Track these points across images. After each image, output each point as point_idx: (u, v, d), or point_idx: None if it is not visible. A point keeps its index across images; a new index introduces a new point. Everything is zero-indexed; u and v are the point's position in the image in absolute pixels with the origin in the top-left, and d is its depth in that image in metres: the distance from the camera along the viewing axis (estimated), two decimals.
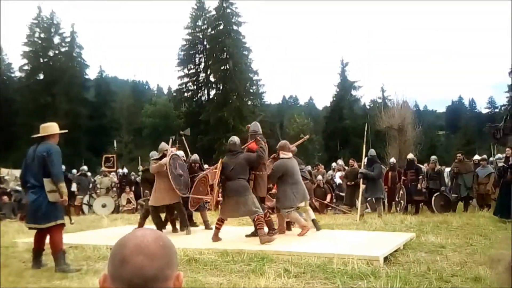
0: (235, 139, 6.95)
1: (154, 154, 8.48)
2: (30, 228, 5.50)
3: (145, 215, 8.43)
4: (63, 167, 14.91)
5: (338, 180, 13.68)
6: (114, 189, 14.76)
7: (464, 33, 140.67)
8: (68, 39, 43.79)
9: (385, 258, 5.31)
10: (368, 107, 46.77)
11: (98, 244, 6.41)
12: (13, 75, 45.34)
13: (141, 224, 8.21)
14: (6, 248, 6.76)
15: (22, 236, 7.74)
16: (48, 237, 5.42)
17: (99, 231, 8.75)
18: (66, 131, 6.20)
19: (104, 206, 13.94)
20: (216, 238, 6.71)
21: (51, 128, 5.50)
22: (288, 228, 7.72)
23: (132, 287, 0.87)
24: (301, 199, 7.20)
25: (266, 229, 6.73)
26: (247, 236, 7.12)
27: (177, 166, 7.76)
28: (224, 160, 6.83)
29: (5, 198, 13.30)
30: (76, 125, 41.00)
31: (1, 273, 4.90)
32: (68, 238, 7.42)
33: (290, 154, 7.35)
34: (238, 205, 6.50)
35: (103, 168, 15.45)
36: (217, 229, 6.76)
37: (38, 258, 5.37)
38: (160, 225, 7.93)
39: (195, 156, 9.07)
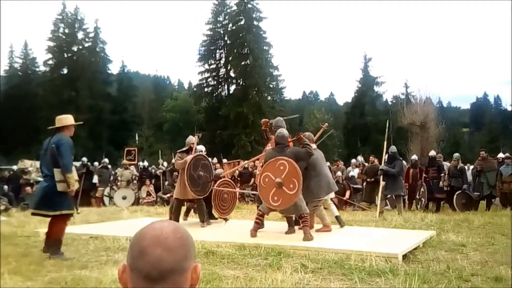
0: (284, 131, 6.68)
1: (191, 139, 8.45)
2: (33, 214, 5.66)
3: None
4: (85, 159, 15.29)
5: (352, 173, 13.56)
6: (135, 181, 14.96)
7: (491, 29, 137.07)
8: (91, 35, 44.47)
9: (404, 256, 5.25)
10: (390, 103, 46.19)
11: (117, 235, 6.50)
12: (37, 69, 46.27)
13: (171, 218, 8.31)
14: (28, 237, 6.92)
15: (43, 226, 7.91)
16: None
17: (119, 223, 8.89)
18: (81, 122, 6.36)
19: (124, 198, 14.15)
20: (254, 233, 6.45)
21: (66, 120, 5.62)
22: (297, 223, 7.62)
23: (150, 279, 0.88)
24: (326, 192, 7.09)
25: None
26: (286, 233, 6.91)
27: (199, 166, 7.82)
28: (269, 154, 6.63)
29: (28, 189, 13.60)
30: (99, 119, 41.79)
31: (22, 262, 5.04)
32: (89, 229, 7.63)
33: (314, 145, 7.28)
34: (295, 202, 6.23)
35: (124, 161, 15.66)
36: (257, 223, 6.54)
37: (50, 247, 5.46)
38: (177, 218, 8.09)
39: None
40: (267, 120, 7.48)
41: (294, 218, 7.05)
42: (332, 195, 7.47)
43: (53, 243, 5.42)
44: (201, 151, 8.44)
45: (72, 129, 5.65)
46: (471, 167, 13.51)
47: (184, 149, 8.26)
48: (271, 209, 6.51)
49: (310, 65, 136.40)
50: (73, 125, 5.70)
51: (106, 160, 15.46)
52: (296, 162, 6.22)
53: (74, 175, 5.48)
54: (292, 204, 6.17)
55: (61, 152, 5.31)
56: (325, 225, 7.10)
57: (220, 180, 8.62)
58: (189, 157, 7.74)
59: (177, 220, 8.02)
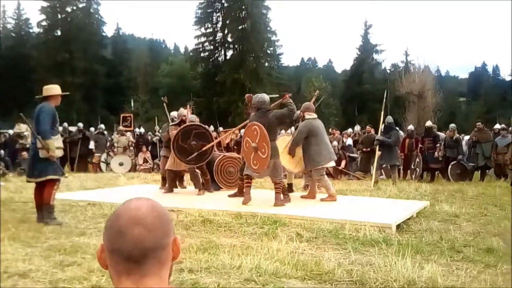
0: (266, 96, 6.82)
1: (173, 116, 8.77)
2: (27, 181, 5.88)
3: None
4: (80, 124, 15.22)
5: (348, 142, 13.61)
6: (131, 148, 14.96)
7: None
8: None
9: (398, 226, 5.34)
10: (388, 71, 45.85)
11: (115, 202, 6.54)
12: (31, 30, 45.35)
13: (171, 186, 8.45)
14: (25, 203, 6.96)
15: None
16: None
17: (117, 189, 8.94)
18: (68, 93, 6.56)
19: (121, 164, 14.19)
20: (248, 199, 6.65)
21: (52, 89, 5.76)
22: (290, 190, 7.80)
23: (132, 259, 0.88)
24: (327, 160, 7.20)
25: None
26: (229, 196, 7.46)
27: (191, 136, 7.82)
28: (251, 119, 6.76)
29: (25, 153, 13.55)
30: (93, 83, 41.32)
31: (21, 228, 5.09)
32: (86, 195, 7.67)
33: (315, 115, 7.39)
34: (271, 166, 6.50)
35: (121, 127, 15.62)
36: (248, 187, 6.73)
37: (41, 213, 5.59)
38: (172, 187, 8.28)
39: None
40: (251, 95, 7.49)
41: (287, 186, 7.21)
42: (333, 163, 7.58)
43: (45, 208, 5.54)
44: (193, 121, 8.36)
45: (58, 99, 5.78)
46: (467, 137, 13.58)
47: (176, 122, 8.35)
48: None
49: (309, 30, 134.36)
50: (60, 95, 5.82)
51: (102, 126, 15.40)
52: (280, 124, 6.59)
53: (54, 142, 5.55)
54: (267, 167, 6.41)
55: (39, 119, 5.46)
56: (330, 195, 7.21)
57: (220, 156, 8.64)
58: (174, 132, 7.89)
59: (172, 191, 8.25)
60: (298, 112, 7.53)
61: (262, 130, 6.39)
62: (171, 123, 8.59)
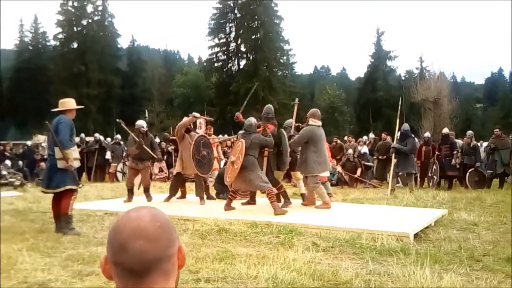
0: (252, 120, 7.28)
1: (140, 125, 8.84)
2: (43, 192, 6.00)
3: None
4: (97, 135, 15.41)
5: (363, 150, 13.50)
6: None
7: (507, 3, 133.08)
8: (100, 8, 44.08)
9: (416, 235, 5.27)
10: (403, 78, 45.52)
11: None
12: (48, 43, 46.25)
13: (183, 192, 8.68)
14: (44, 213, 7.05)
15: None
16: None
17: (133, 199, 8.99)
18: (82, 107, 6.76)
19: None
20: (228, 207, 6.95)
21: (67, 103, 5.94)
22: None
23: (135, 272, 0.87)
24: (321, 169, 7.34)
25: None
26: (242, 204, 7.58)
27: (201, 147, 7.98)
28: (239, 137, 7.20)
29: (43, 164, 13.77)
30: (109, 94, 41.88)
31: (39, 238, 5.17)
32: (103, 205, 7.75)
33: (319, 122, 7.50)
34: (247, 178, 6.80)
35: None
36: (230, 199, 7.07)
37: (59, 223, 5.68)
38: (175, 192, 8.37)
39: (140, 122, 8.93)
40: (239, 114, 8.08)
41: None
42: (327, 173, 7.77)
43: (63, 219, 5.62)
44: (142, 126, 8.50)
45: (74, 112, 5.96)
46: (484, 144, 13.37)
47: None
48: (241, 186, 7.11)
49: (322, 39, 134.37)
50: (75, 109, 6.00)
51: (119, 136, 15.56)
52: (260, 147, 6.98)
53: (72, 152, 5.68)
54: (247, 180, 6.76)
55: (59, 130, 5.61)
56: (325, 202, 7.27)
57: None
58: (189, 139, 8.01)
59: (174, 194, 8.34)
60: (291, 120, 7.92)
61: (243, 146, 6.83)
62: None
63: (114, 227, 0.91)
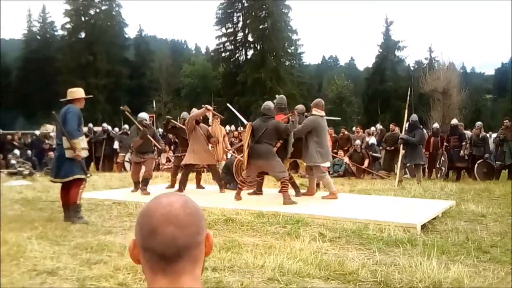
0: (271, 104, 7.20)
1: (185, 116, 9.22)
2: (52, 181, 6.03)
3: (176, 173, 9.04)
4: (105, 125, 15.48)
5: (371, 141, 13.41)
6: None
7: None
8: None
9: (423, 226, 5.25)
10: (412, 68, 45.10)
11: (140, 201, 6.66)
12: (56, 33, 46.34)
13: (173, 182, 8.76)
14: (53, 202, 7.12)
15: None
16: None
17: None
18: (91, 96, 6.70)
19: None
20: (238, 197, 7.01)
21: (77, 93, 5.94)
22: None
23: (165, 257, 0.87)
24: (325, 159, 7.34)
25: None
26: (249, 194, 7.58)
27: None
28: (255, 123, 7.01)
29: (51, 153, 13.88)
30: (117, 84, 42.00)
31: (48, 227, 5.22)
32: (111, 194, 7.81)
33: (323, 113, 7.51)
34: (263, 168, 6.80)
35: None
36: (240, 189, 7.10)
37: (68, 212, 5.73)
38: (185, 184, 8.30)
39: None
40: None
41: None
42: (328, 164, 7.76)
43: (72, 208, 5.66)
44: (145, 119, 8.42)
45: (82, 102, 5.95)
46: (494, 135, 13.25)
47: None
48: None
49: (330, 28, 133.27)
50: (84, 98, 5.99)
51: (126, 126, 15.59)
52: (276, 134, 6.82)
53: (80, 142, 5.70)
54: (269, 165, 6.70)
55: (66, 120, 5.62)
56: (332, 193, 7.29)
57: (239, 157, 8.76)
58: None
59: (185, 186, 8.29)
60: (302, 106, 7.84)
61: (249, 128, 6.86)
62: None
63: (144, 211, 0.90)
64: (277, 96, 8.31)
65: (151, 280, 0.89)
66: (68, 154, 5.60)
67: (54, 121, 6.08)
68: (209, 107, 8.34)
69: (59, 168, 5.73)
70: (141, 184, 8.06)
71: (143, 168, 8.25)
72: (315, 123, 7.29)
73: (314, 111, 7.43)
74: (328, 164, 7.72)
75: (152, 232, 0.86)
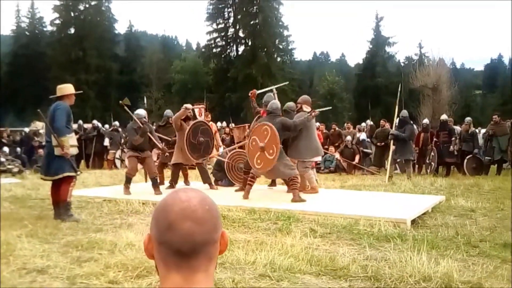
0: (278, 103, 7.12)
1: (168, 113, 9.22)
2: (42, 179, 5.96)
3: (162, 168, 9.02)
4: (96, 122, 15.37)
5: (362, 137, 13.46)
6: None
7: None
8: None
9: (413, 221, 5.30)
10: (402, 64, 45.30)
11: (130, 199, 6.64)
12: (45, 29, 45.83)
13: (160, 178, 8.48)
14: (43, 200, 7.07)
15: None
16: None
17: (131, 186, 8.97)
18: (81, 92, 6.58)
19: None
20: (247, 195, 6.83)
21: (66, 89, 5.86)
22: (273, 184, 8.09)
23: (182, 253, 0.87)
24: (312, 155, 7.41)
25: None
26: (236, 191, 7.63)
27: (199, 132, 8.00)
28: (262, 120, 6.89)
29: (41, 151, 13.74)
30: (107, 80, 41.66)
31: (38, 225, 5.18)
32: (102, 192, 7.76)
33: (309, 109, 7.57)
34: (276, 167, 6.57)
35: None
36: (250, 185, 6.87)
37: (58, 210, 5.67)
38: (176, 181, 8.25)
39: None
40: (255, 90, 7.84)
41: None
42: (319, 158, 7.85)
43: (62, 206, 5.62)
44: (144, 116, 8.04)
45: (72, 98, 5.87)
46: (483, 130, 13.38)
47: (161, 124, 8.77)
48: (266, 174, 6.97)
49: (321, 24, 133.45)
50: (73, 94, 5.91)
51: (117, 123, 15.52)
52: (283, 131, 6.62)
53: (69, 139, 5.63)
54: (273, 168, 6.52)
55: (55, 117, 5.55)
56: (312, 188, 7.40)
57: (232, 152, 8.73)
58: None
59: (176, 182, 8.24)
60: (292, 104, 7.76)
61: (273, 131, 6.48)
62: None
63: (161, 206, 0.90)
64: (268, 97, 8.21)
65: (165, 276, 0.88)
66: (57, 151, 5.55)
67: (42, 118, 5.96)
68: (188, 106, 8.25)
69: (48, 165, 5.68)
70: (152, 185, 7.75)
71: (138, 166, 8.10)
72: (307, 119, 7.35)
73: (304, 107, 7.50)
74: (319, 158, 7.81)
75: (170, 227, 0.86)
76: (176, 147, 8.15)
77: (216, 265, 0.95)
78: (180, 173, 8.53)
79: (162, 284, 0.89)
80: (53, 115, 5.58)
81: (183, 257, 0.86)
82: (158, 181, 7.91)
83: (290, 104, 7.77)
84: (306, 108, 7.49)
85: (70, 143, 5.67)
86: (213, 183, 8.35)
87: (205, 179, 8.38)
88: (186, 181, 8.91)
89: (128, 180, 7.79)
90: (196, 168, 8.58)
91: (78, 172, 6.07)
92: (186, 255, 0.86)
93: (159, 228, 0.88)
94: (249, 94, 7.84)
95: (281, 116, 6.89)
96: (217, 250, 0.92)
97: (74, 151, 5.83)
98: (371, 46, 44.11)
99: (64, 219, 5.46)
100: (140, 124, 7.68)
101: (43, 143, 14.50)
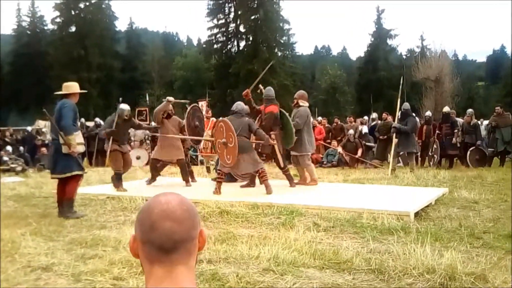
0: (243, 104, 7.41)
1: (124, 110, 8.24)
2: (52, 177, 5.94)
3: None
4: (98, 120, 15.41)
5: (365, 130, 13.39)
6: (148, 141, 15.09)
7: None
8: None
9: (416, 214, 5.30)
10: (404, 57, 45.12)
11: (134, 196, 6.64)
12: (46, 27, 45.82)
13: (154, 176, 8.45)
14: (46, 198, 7.10)
15: None
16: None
17: (134, 183, 9.03)
18: (85, 91, 6.64)
19: (138, 158, 14.33)
20: (218, 191, 6.85)
21: (72, 87, 5.91)
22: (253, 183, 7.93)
23: (163, 249, 0.95)
24: (312, 148, 7.89)
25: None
26: (242, 187, 7.69)
27: (194, 119, 8.28)
28: (231, 120, 7.04)
29: (44, 149, 13.81)
30: (109, 78, 41.69)
31: (42, 223, 5.21)
32: (105, 189, 7.78)
33: (307, 103, 7.96)
34: (242, 161, 6.87)
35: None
36: (219, 182, 6.96)
37: (61, 208, 5.70)
38: (155, 176, 8.36)
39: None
40: (249, 91, 7.79)
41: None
42: (311, 151, 8.19)
43: (66, 203, 5.65)
44: (126, 115, 7.92)
45: (77, 96, 5.92)
46: (486, 122, 13.33)
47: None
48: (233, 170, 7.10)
49: (322, 18, 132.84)
50: (78, 93, 5.96)
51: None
52: (249, 131, 6.94)
53: (76, 137, 5.65)
54: (240, 162, 6.80)
55: (62, 115, 5.58)
56: (313, 179, 7.67)
57: None
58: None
59: (154, 177, 8.32)
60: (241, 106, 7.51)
61: (226, 122, 6.84)
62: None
63: (144, 208, 0.99)
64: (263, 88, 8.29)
65: (149, 270, 0.97)
66: (64, 149, 5.56)
67: (47, 117, 5.96)
68: (170, 98, 8.14)
69: (56, 163, 5.69)
70: (115, 179, 7.64)
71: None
72: (307, 113, 7.66)
73: (301, 102, 7.76)
74: (311, 151, 8.14)
75: (152, 227, 0.95)
76: (158, 142, 8.23)
77: (196, 262, 1.03)
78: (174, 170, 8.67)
79: (147, 278, 0.97)
80: (60, 113, 5.59)
81: (164, 253, 0.95)
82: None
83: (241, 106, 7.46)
84: (303, 103, 7.72)
85: (77, 141, 5.69)
86: (190, 181, 8.21)
87: (184, 176, 8.18)
88: (193, 179, 8.65)
89: (119, 177, 7.62)
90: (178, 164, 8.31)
91: (85, 171, 6.12)
92: (168, 251, 0.95)
93: (143, 228, 0.97)
94: (243, 96, 7.81)
95: (246, 117, 7.17)
96: (196, 246, 1.02)
97: (81, 148, 5.90)
98: (372, 39, 43.93)
99: (68, 216, 5.49)
100: (115, 120, 7.50)
101: (46, 142, 14.61)
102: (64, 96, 5.80)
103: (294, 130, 7.41)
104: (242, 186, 7.71)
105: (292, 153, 7.92)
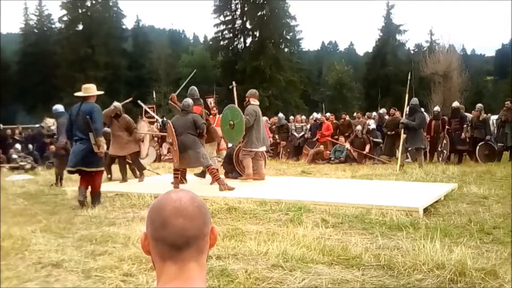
0: (190, 101, 7.51)
1: (116, 105, 8.79)
2: (71, 172, 6.36)
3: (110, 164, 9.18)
4: None
5: (372, 126, 13.32)
6: (155, 138, 15.12)
7: None
8: None
9: (425, 209, 5.26)
10: (412, 52, 44.75)
11: (142, 193, 6.67)
12: (53, 26, 46.03)
13: (107, 172, 8.83)
14: (56, 195, 7.17)
15: (70, 185, 8.18)
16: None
17: (144, 179, 9.06)
18: (102, 92, 7.23)
19: (146, 155, 14.37)
20: (176, 185, 7.15)
21: (92, 89, 6.40)
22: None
23: (176, 246, 0.95)
24: (261, 145, 8.08)
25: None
26: (195, 174, 8.22)
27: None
28: (175, 118, 7.42)
29: (53, 147, 13.88)
30: (116, 76, 41.82)
31: (52, 220, 5.26)
32: (114, 186, 7.82)
33: (257, 102, 8.26)
34: (189, 157, 7.05)
35: (144, 119, 15.77)
36: (176, 177, 7.31)
37: (93, 199, 6.28)
38: (122, 173, 8.66)
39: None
40: (175, 95, 8.26)
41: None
42: (264, 148, 8.37)
43: (96, 194, 6.32)
44: (119, 110, 8.57)
45: (95, 97, 6.41)
46: (495, 117, 13.21)
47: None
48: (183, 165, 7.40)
49: (329, 13, 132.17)
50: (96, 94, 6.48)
51: None
52: (195, 127, 7.10)
53: (103, 138, 6.21)
54: (186, 157, 7.01)
55: (94, 118, 6.06)
56: (248, 174, 7.96)
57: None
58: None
59: (123, 175, 8.65)
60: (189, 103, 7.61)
61: (169, 126, 7.18)
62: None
63: (156, 206, 0.99)
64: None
65: (161, 267, 0.97)
66: (95, 149, 6.06)
67: (84, 120, 6.21)
68: (116, 104, 8.64)
69: (89, 159, 6.13)
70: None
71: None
72: (256, 111, 7.97)
73: (252, 101, 8.11)
74: (264, 148, 8.35)
75: (164, 224, 0.95)
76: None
77: (207, 258, 1.04)
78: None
79: (159, 275, 0.97)
80: (92, 116, 6.02)
81: (177, 250, 0.95)
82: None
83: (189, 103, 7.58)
84: (254, 101, 8.08)
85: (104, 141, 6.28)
86: (124, 178, 8.57)
87: (121, 171, 8.62)
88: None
89: (108, 171, 8.66)
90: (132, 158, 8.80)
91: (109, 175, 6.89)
92: (180, 248, 0.95)
93: (154, 226, 0.97)
94: (170, 99, 8.20)
95: (193, 113, 7.30)
96: (208, 243, 1.02)
97: (105, 147, 6.53)
98: (381, 34, 43.57)
99: (95, 205, 6.06)
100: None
101: (55, 138, 14.67)
102: (84, 98, 6.22)
103: (243, 127, 7.72)
104: (241, 179, 8.02)
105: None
